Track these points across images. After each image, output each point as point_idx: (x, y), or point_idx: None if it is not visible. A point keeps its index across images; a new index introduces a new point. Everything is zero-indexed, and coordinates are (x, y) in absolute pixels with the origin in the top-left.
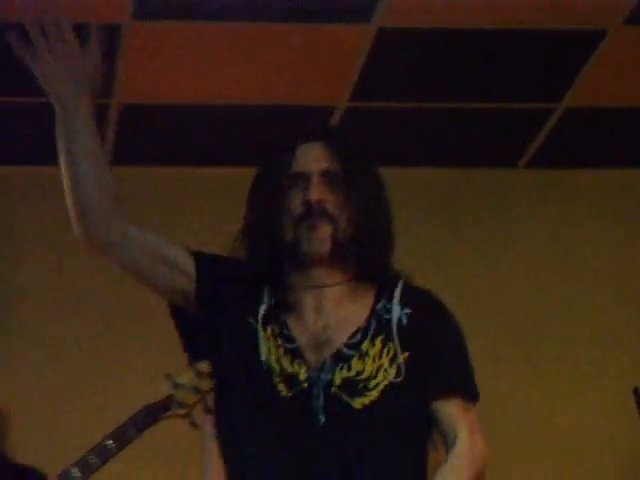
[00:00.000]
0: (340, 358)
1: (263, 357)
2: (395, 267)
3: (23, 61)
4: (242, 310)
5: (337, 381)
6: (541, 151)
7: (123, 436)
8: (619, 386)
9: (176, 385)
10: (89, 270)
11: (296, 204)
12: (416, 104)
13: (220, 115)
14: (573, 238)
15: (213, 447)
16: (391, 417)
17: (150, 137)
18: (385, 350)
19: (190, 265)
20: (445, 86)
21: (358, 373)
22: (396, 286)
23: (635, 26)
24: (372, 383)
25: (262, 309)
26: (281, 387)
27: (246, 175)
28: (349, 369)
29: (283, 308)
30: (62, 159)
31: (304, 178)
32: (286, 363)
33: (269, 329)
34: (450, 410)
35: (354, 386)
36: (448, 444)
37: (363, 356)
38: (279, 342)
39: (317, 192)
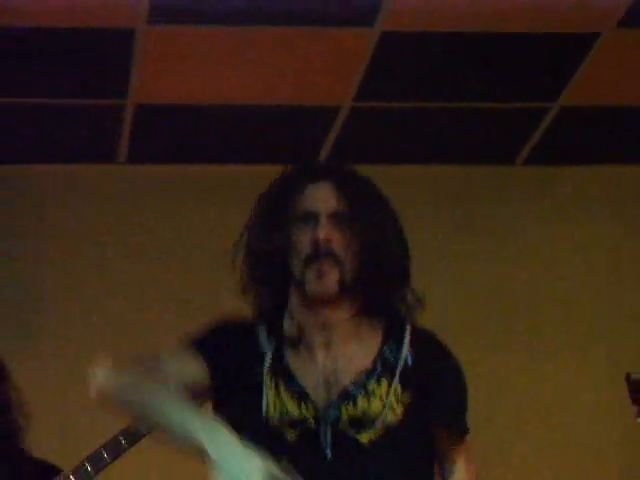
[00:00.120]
0: (346, 396)
1: (269, 412)
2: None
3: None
4: (245, 369)
5: (344, 418)
6: (537, 149)
7: (134, 433)
8: (612, 372)
9: None
10: (108, 270)
11: (305, 243)
12: (417, 104)
13: (230, 115)
14: (569, 232)
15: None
16: (396, 451)
17: (164, 136)
18: (391, 390)
19: (204, 372)
20: (445, 87)
21: (364, 411)
22: (404, 331)
23: (627, 29)
24: (378, 420)
25: (267, 361)
26: (288, 433)
27: (255, 172)
28: (355, 407)
29: (290, 346)
30: (155, 411)
31: (313, 217)
32: (293, 408)
33: (275, 379)
34: (449, 441)
35: (360, 423)
36: (446, 471)
37: (369, 395)
38: (285, 388)
39: (325, 232)
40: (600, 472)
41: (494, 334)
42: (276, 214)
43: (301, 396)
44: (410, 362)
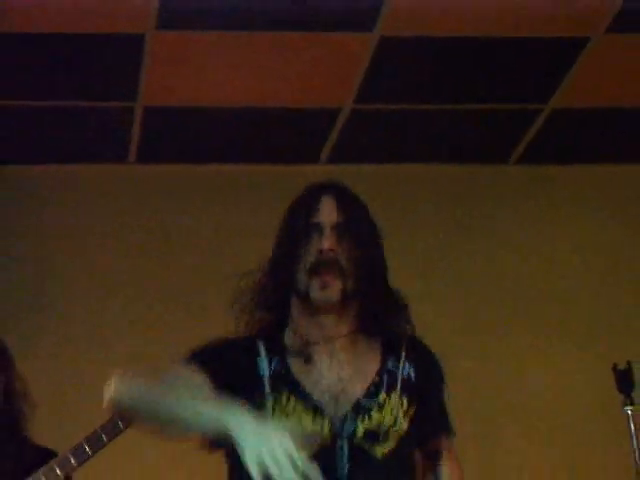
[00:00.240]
0: (360, 410)
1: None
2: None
3: None
4: (247, 385)
5: (360, 432)
6: (530, 149)
7: (113, 428)
8: (600, 363)
9: None
10: (112, 261)
11: (311, 252)
12: (415, 106)
13: (235, 116)
14: (561, 230)
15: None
16: (404, 463)
17: (172, 137)
18: (400, 403)
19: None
20: (442, 89)
21: (379, 424)
22: (402, 344)
23: (615, 34)
24: (391, 433)
25: (266, 380)
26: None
27: (258, 172)
28: (370, 420)
29: (292, 357)
30: (181, 415)
31: (317, 229)
32: (307, 422)
33: (280, 395)
34: (437, 443)
35: (375, 436)
36: (435, 468)
37: (381, 408)
38: (296, 402)
39: (329, 242)
40: (599, 473)
41: (486, 325)
42: (292, 227)
43: (315, 409)
44: (409, 374)
